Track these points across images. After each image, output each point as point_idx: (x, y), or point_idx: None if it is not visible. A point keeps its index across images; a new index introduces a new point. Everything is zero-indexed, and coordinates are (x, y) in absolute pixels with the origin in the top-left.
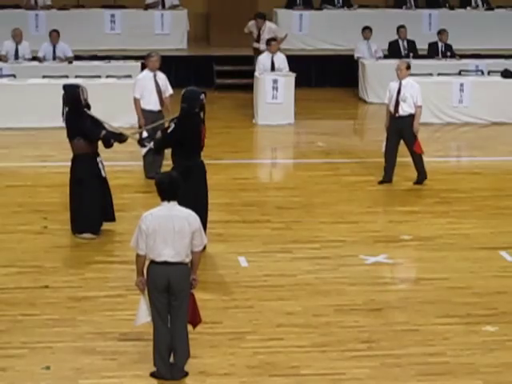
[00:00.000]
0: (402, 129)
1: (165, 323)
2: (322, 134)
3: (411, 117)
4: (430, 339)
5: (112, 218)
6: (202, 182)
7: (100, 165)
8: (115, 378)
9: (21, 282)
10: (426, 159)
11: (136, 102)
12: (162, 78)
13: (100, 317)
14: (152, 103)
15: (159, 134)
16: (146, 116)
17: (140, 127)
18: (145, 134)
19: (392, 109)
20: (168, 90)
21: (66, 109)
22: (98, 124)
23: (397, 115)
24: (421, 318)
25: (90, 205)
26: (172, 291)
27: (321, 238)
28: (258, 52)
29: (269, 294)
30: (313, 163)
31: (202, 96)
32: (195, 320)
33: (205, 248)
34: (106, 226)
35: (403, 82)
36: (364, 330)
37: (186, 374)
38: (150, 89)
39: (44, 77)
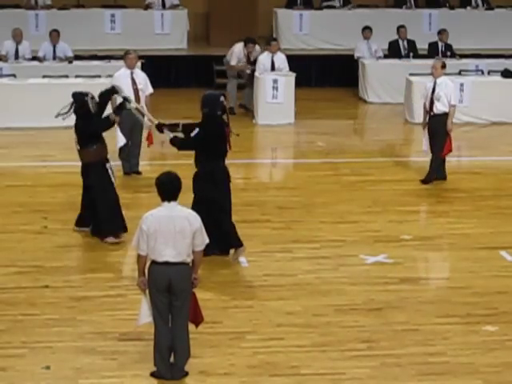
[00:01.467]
0: (435, 127)
1: (166, 323)
2: (322, 133)
3: (445, 115)
4: (430, 339)
5: (125, 229)
6: (226, 185)
7: (109, 171)
8: (115, 378)
9: (21, 282)
10: (426, 159)
11: (112, 99)
12: (140, 76)
13: (100, 317)
14: None
15: (180, 134)
16: (122, 113)
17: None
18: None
19: (428, 107)
20: (148, 89)
21: (75, 117)
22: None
23: (431, 113)
24: (421, 317)
25: (109, 209)
26: (173, 291)
27: (321, 238)
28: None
29: (269, 293)
30: (313, 163)
31: (222, 98)
32: (197, 319)
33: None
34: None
35: (438, 80)
36: (364, 329)
37: (186, 373)
38: (127, 86)
39: (44, 77)
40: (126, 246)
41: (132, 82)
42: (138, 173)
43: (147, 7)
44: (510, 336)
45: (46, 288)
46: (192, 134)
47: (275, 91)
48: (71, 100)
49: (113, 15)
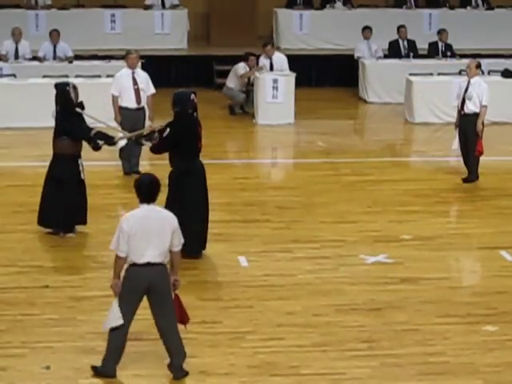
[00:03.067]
0: (466, 127)
1: (129, 325)
2: (322, 133)
3: (476, 115)
4: (430, 339)
5: (84, 222)
6: (202, 183)
7: (80, 167)
8: (115, 378)
9: (21, 282)
10: (426, 159)
11: (113, 99)
12: (141, 76)
13: (100, 316)
14: (128, 101)
15: (156, 136)
16: (123, 113)
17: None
18: (120, 135)
19: (459, 106)
20: (150, 89)
21: (58, 107)
22: (87, 126)
23: (462, 113)
24: (421, 317)
25: (67, 205)
26: (154, 292)
27: (321, 238)
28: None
29: (269, 293)
30: (313, 163)
31: (193, 96)
32: (184, 319)
33: (204, 248)
34: (106, 225)
35: (472, 80)
36: (364, 329)
37: (187, 373)
38: (127, 86)
39: (44, 76)
40: None
41: (133, 81)
42: (138, 172)
43: (147, 8)
44: (510, 336)
45: (46, 288)
46: (164, 135)
47: (275, 91)
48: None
49: (113, 15)
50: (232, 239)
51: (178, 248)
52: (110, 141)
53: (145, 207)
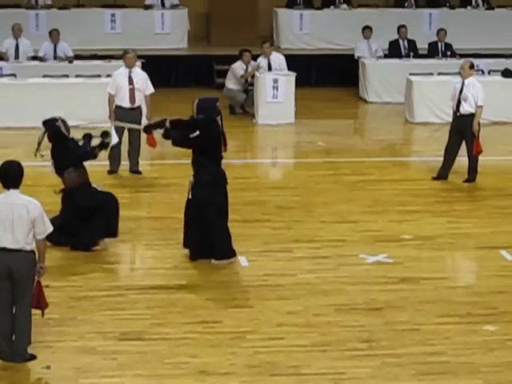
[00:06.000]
0: (462, 128)
1: (4, 309)
2: (322, 133)
3: (472, 116)
4: (430, 338)
5: (115, 234)
6: (224, 191)
7: (98, 188)
8: (115, 378)
9: None
10: (426, 158)
11: (109, 97)
12: (139, 75)
13: (100, 316)
14: (123, 100)
15: (176, 133)
16: (118, 112)
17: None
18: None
19: (454, 107)
20: (148, 89)
21: (52, 145)
22: (81, 146)
23: (458, 114)
24: (421, 317)
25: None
26: (13, 278)
27: (321, 238)
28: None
29: (269, 293)
30: (313, 162)
31: (218, 103)
32: (41, 305)
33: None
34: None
35: (466, 81)
36: (364, 329)
37: (28, 359)
38: (123, 86)
39: (44, 76)
40: (126, 246)
41: (129, 81)
42: (139, 172)
43: (147, 7)
44: (511, 336)
45: (47, 288)
46: (192, 136)
47: (275, 91)
48: (42, 130)
49: (113, 15)
50: (232, 239)
51: (41, 236)
52: (106, 146)
53: (5, 193)
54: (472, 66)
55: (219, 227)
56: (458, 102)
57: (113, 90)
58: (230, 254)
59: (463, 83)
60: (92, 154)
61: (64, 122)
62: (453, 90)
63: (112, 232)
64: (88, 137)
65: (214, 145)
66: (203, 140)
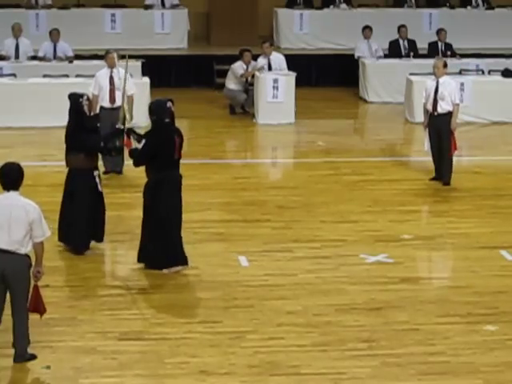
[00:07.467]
0: (440, 127)
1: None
2: (322, 133)
3: (449, 115)
4: (430, 338)
5: (99, 239)
6: (175, 195)
7: (97, 179)
8: (116, 378)
9: None
10: (426, 158)
11: (92, 97)
12: (121, 75)
13: (100, 316)
14: (104, 100)
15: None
16: (101, 112)
17: None
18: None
19: (430, 107)
20: (129, 89)
21: (69, 120)
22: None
23: (435, 113)
24: (421, 317)
25: (81, 220)
26: (7, 281)
27: (321, 238)
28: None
29: (269, 293)
30: (313, 162)
31: (170, 104)
32: (39, 310)
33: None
34: (105, 224)
35: (440, 80)
36: (364, 329)
37: (28, 359)
38: (105, 86)
39: (44, 76)
40: (126, 246)
41: (110, 81)
42: (120, 172)
43: (147, 7)
44: (511, 336)
45: (47, 287)
46: (140, 146)
47: (275, 91)
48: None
49: (113, 15)
50: (232, 239)
51: (38, 239)
52: (119, 150)
53: (5, 195)
54: (445, 65)
55: (153, 235)
56: (435, 101)
57: (96, 90)
58: (164, 263)
59: (438, 82)
60: (99, 149)
61: (89, 100)
62: (426, 91)
63: (98, 236)
64: (117, 131)
65: (160, 148)
66: (149, 145)
